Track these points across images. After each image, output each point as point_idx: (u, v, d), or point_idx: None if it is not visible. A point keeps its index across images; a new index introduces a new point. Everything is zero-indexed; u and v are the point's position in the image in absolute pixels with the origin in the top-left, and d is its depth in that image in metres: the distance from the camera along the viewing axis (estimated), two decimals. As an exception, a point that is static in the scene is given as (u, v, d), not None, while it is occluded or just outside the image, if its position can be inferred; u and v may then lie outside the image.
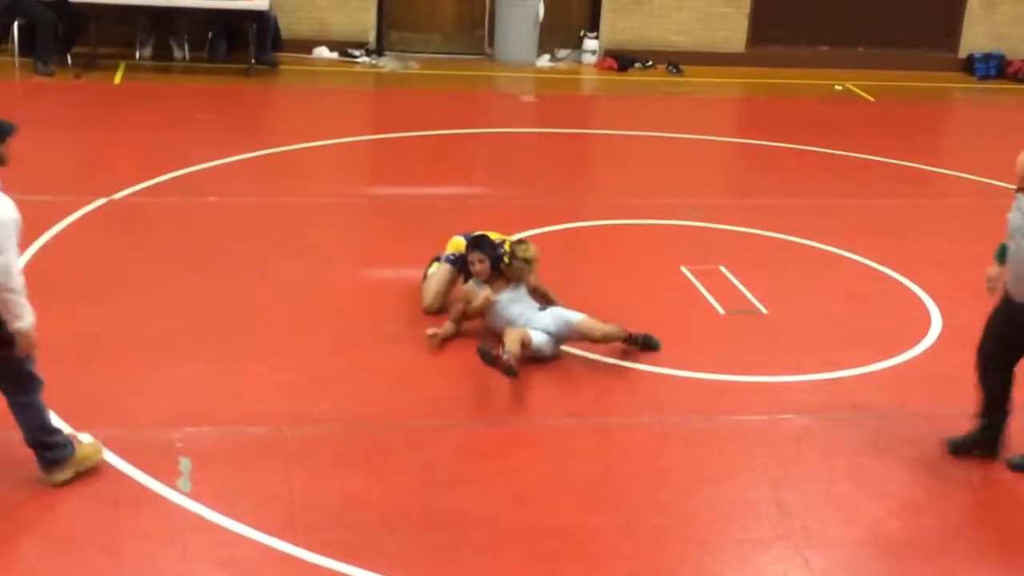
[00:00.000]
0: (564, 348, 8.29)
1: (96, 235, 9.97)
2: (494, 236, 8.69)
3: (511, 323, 8.16)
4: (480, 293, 8.31)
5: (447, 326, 8.35)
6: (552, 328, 8.18)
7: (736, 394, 7.93)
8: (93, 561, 5.78)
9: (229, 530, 6.05)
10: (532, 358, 8.00)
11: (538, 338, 8.07)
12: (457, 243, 8.89)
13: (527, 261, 8.45)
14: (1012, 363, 7.06)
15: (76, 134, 13.37)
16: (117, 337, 8.13)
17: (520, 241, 8.59)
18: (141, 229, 10.17)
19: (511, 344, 7.74)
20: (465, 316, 8.38)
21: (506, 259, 8.38)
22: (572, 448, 7.12)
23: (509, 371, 7.56)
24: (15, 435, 6.33)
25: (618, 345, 8.32)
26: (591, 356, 8.27)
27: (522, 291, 8.42)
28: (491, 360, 7.59)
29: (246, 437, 6.97)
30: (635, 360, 8.24)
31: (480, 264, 8.39)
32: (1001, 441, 7.18)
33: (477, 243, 8.44)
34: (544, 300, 8.48)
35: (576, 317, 8.25)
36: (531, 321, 8.18)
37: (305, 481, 6.57)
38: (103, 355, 7.86)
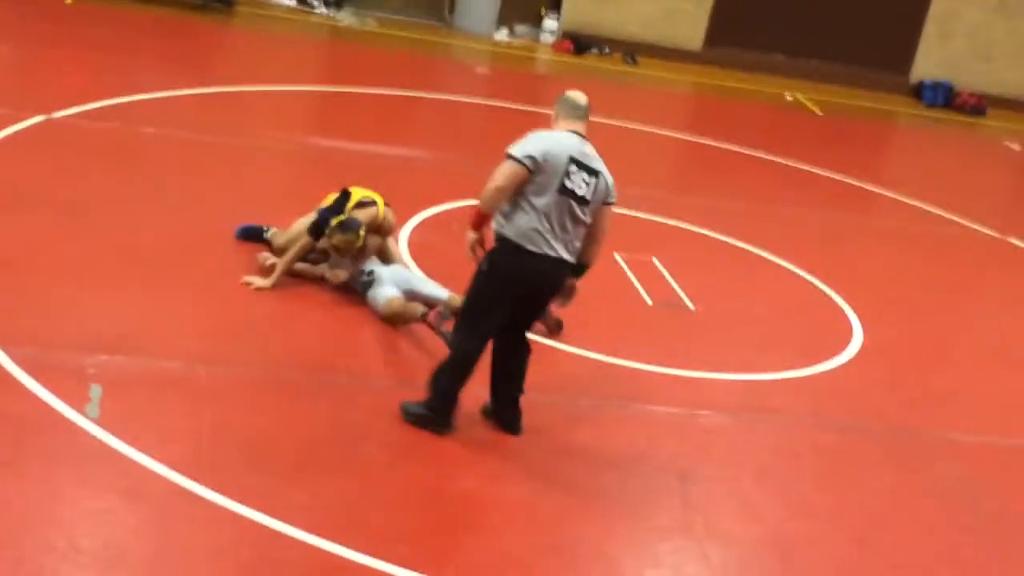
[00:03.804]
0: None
1: (30, 152, 9.79)
2: (360, 194, 8.52)
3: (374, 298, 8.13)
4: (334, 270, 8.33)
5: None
6: (396, 291, 8.12)
7: (653, 384, 7.97)
8: (-9, 477, 5.70)
9: (134, 461, 5.97)
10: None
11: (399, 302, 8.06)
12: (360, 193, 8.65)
13: (337, 250, 8.26)
14: None
15: (21, 48, 13.11)
16: (39, 256, 8.00)
17: (339, 224, 8.24)
18: (76, 151, 10.01)
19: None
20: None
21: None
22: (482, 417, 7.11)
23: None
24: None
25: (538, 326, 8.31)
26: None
27: (369, 263, 8.33)
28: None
29: (160, 371, 6.89)
30: (560, 340, 8.24)
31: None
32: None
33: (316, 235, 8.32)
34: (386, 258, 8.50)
35: (444, 294, 8.16)
36: (379, 293, 8.10)
37: (215, 421, 6.51)
38: (21, 273, 7.72)
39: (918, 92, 19.74)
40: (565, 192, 6.46)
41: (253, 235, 8.76)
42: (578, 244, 6.66)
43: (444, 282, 8.34)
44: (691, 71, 18.56)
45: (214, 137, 11.06)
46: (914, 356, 9.34)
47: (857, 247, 11.83)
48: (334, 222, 8.24)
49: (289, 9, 17.38)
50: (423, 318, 7.77)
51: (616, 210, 6.75)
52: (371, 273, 8.21)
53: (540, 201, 6.44)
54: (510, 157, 6.46)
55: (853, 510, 6.94)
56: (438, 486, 6.36)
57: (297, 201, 9.79)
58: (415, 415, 6.76)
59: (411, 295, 8.17)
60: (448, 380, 6.71)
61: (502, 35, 18.26)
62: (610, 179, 6.70)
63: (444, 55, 17.23)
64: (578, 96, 6.80)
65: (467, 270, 8.64)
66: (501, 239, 6.58)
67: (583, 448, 7.03)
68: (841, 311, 9.76)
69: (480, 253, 6.72)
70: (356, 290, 8.25)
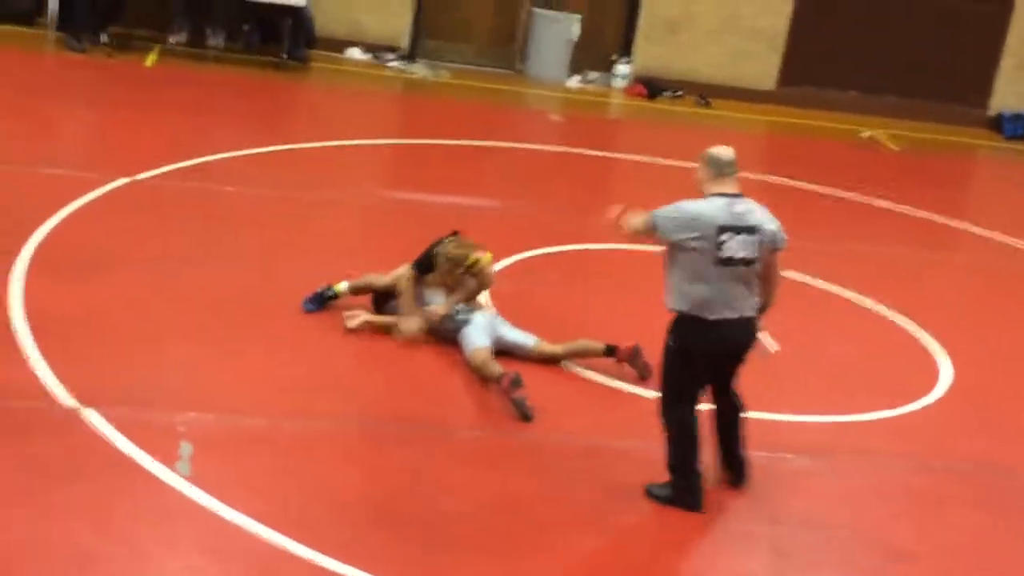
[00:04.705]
0: (573, 368, 8.29)
1: (114, 213, 9.98)
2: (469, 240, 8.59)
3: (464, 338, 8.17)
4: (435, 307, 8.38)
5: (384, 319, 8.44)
6: (486, 341, 8.12)
7: (739, 428, 7.88)
8: (79, 536, 5.75)
9: (223, 518, 6.02)
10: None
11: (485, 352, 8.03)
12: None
13: (448, 259, 8.33)
14: None
15: (103, 113, 13.40)
16: (127, 315, 8.13)
17: (455, 237, 8.43)
18: (159, 212, 10.18)
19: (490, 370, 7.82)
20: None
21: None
22: (566, 466, 7.05)
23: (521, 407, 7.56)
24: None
25: (629, 370, 8.28)
26: (597, 378, 8.26)
27: (463, 307, 8.40)
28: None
29: (246, 426, 6.95)
30: (642, 385, 8.18)
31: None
32: None
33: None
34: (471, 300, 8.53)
35: (530, 341, 8.27)
36: (469, 336, 8.14)
37: (301, 476, 6.55)
38: (112, 332, 7.86)
39: (997, 124, 19.48)
40: (724, 263, 6.38)
41: (321, 301, 8.76)
42: (756, 297, 6.61)
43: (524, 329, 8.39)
44: (765, 111, 18.49)
45: (291, 193, 11.19)
46: (1004, 394, 9.16)
47: (940, 283, 11.66)
48: (448, 238, 8.37)
49: (362, 64, 17.59)
50: (498, 381, 7.75)
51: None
52: (469, 312, 8.30)
53: (704, 273, 6.40)
54: (655, 219, 6.56)
55: (949, 554, 6.79)
56: (523, 539, 6.33)
57: (374, 253, 9.89)
58: (662, 498, 6.75)
59: (499, 341, 8.20)
60: (680, 455, 6.69)
61: (574, 82, 18.33)
62: (773, 226, 6.56)
63: (517, 104, 17.33)
64: (722, 152, 6.51)
65: (546, 317, 8.68)
66: (680, 314, 6.56)
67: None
68: (926, 349, 9.61)
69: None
70: (441, 332, 8.29)
